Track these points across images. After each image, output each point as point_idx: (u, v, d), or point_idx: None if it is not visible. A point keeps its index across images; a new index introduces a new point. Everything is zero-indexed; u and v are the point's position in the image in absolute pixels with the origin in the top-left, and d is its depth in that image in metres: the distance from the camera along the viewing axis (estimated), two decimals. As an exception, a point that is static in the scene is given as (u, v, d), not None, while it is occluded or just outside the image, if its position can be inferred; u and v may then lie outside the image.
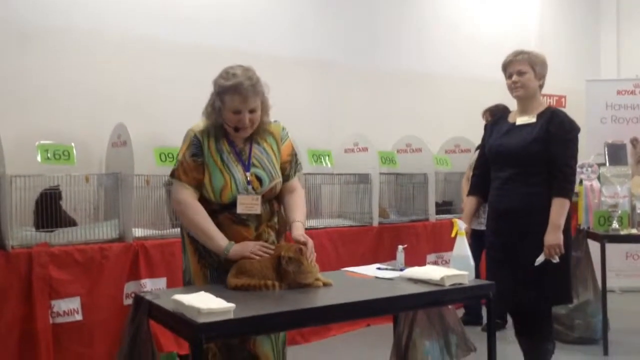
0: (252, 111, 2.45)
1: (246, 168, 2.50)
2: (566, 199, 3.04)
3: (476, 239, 3.46)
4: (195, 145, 2.48)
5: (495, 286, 2.53)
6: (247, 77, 2.42)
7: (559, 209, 3.02)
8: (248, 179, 2.49)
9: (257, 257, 2.36)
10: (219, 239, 2.42)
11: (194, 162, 2.47)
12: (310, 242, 2.43)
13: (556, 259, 3.02)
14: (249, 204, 2.46)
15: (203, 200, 2.49)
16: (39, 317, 3.33)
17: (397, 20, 6.11)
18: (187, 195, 2.46)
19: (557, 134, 3.06)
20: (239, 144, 2.54)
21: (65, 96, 4.20)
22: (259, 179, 2.51)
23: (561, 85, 6.60)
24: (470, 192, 3.45)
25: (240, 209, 2.45)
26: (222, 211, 2.48)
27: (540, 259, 3.03)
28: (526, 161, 3.10)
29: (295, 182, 2.68)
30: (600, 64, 7.95)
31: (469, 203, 3.43)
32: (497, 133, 3.27)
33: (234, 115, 2.44)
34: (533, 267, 3.05)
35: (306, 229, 2.63)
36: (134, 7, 4.54)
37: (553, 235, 3.01)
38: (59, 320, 3.43)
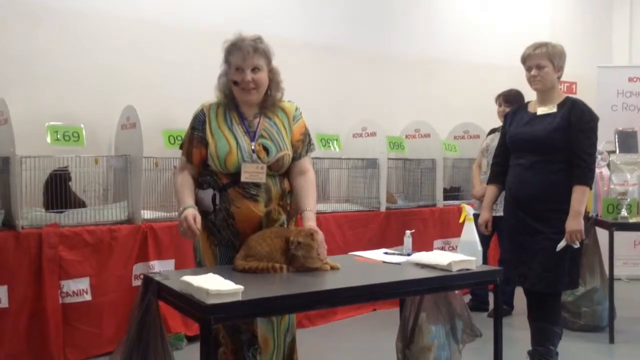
0: (255, 70, 2.49)
1: (252, 139, 2.52)
2: (587, 187, 3.15)
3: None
4: (198, 119, 2.56)
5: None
6: (250, 38, 2.51)
7: (579, 196, 3.12)
8: (253, 147, 2.50)
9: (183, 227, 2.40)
10: (180, 202, 2.50)
11: (191, 134, 2.56)
12: (321, 235, 2.42)
13: (577, 245, 3.14)
14: (253, 172, 2.47)
15: (212, 174, 2.52)
16: (48, 297, 3.38)
17: (407, 4, 6.07)
18: (180, 165, 2.61)
19: (578, 123, 3.16)
20: (248, 117, 2.56)
21: (76, 78, 4.21)
22: (266, 149, 2.52)
23: (572, 71, 6.50)
24: (491, 181, 3.53)
25: (244, 177, 2.46)
26: (231, 185, 2.48)
27: (561, 245, 3.13)
28: (548, 149, 3.18)
29: (307, 163, 2.68)
30: (612, 50, 7.86)
31: (489, 192, 3.52)
32: (517, 122, 3.35)
33: (238, 73, 2.50)
34: (551, 252, 3.14)
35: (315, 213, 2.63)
36: (144, -12, 4.54)
37: (575, 222, 3.10)
38: (68, 300, 3.47)
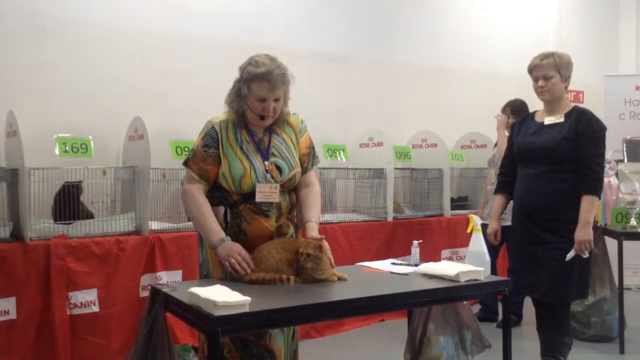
0: (276, 100, 2.48)
1: (265, 157, 2.52)
2: (595, 197, 3.14)
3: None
4: (211, 136, 2.51)
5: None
6: (276, 66, 2.45)
7: (588, 206, 3.11)
8: (267, 167, 2.50)
9: (230, 270, 2.36)
10: (211, 233, 2.42)
11: (205, 152, 2.49)
12: (326, 244, 2.42)
13: (586, 255, 3.12)
14: (267, 192, 2.48)
15: (222, 190, 2.51)
16: (56, 308, 3.38)
17: (413, 13, 6.08)
18: (193, 186, 2.49)
19: (585, 132, 3.15)
20: (258, 134, 2.56)
21: (84, 90, 4.23)
22: (279, 168, 2.53)
23: (579, 80, 6.49)
24: (498, 191, 3.52)
25: (259, 197, 2.47)
26: (242, 202, 2.49)
27: (570, 255, 3.11)
28: (556, 159, 3.18)
29: (312, 176, 2.70)
30: (619, 58, 7.85)
31: (497, 202, 3.51)
32: (525, 132, 3.35)
33: (259, 103, 2.46)
34: (560, 262, 3.12)
35: (321, 223, 2.64)
36: (151, 1, 4.56)
37: (584, 232, 3.09)
38: (76, 311, 3.47)
